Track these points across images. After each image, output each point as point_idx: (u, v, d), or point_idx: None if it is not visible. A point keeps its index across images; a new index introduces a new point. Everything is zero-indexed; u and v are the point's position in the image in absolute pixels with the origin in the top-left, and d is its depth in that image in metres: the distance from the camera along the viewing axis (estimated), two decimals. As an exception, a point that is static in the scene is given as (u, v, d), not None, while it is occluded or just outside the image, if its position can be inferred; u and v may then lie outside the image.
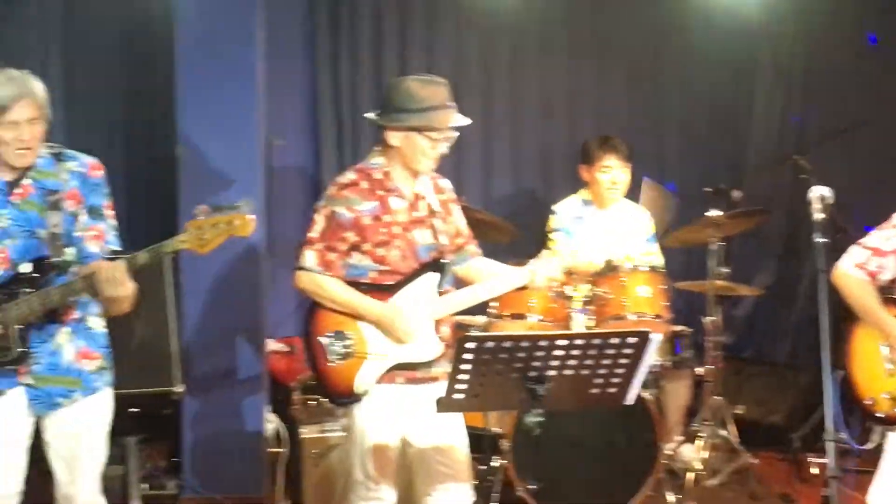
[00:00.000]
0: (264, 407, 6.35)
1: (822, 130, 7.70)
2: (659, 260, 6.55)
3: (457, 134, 4.54)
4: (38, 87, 4.13)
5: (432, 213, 4.63)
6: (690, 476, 6.26)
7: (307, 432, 5.87)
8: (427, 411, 4.28)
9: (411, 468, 4.64)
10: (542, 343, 3.75)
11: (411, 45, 7.64)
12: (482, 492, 5.56)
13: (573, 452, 5.73)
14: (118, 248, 4.24)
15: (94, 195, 4.25)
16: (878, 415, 4.76)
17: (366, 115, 4.67)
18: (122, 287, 3.98)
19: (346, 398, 4.56)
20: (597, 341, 3.80)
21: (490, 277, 4.71)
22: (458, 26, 7.70)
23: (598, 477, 5.78)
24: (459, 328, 5.91)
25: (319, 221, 4.57)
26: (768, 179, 7.75)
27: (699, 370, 6.49)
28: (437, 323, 4.58)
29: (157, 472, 6.33)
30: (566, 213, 6.61)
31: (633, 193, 6.79)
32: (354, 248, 4.55)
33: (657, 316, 5.96)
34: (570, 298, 6.03)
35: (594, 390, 3.92)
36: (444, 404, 3.90)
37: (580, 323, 6.02)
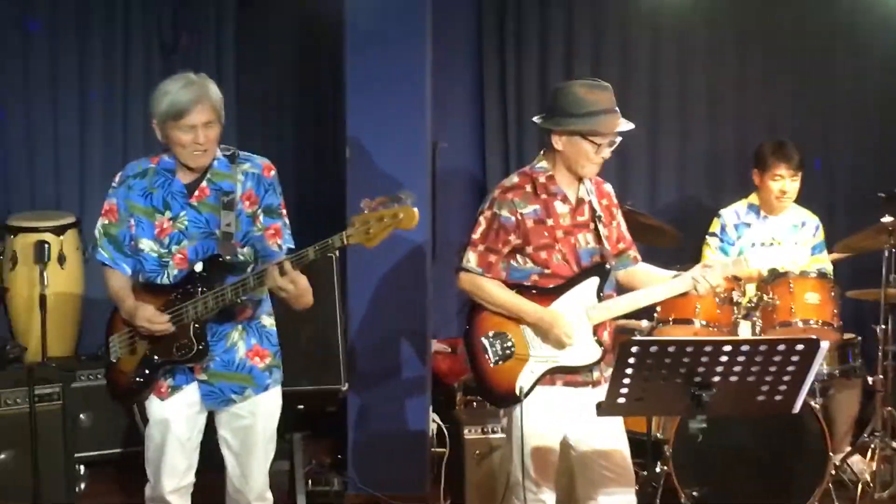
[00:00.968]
0: (428, 407, 6.41)
1: None
2: (828, 267, 6.42)
3: (620, 139, 4.52)
4: (214, 90, 4.24)
5: (595, 217, 4.61)
6: (859, 488, 6.11)
7: (470, 433, 5.90)
8: (588, 415, 4.27)
9: (573, 472, 4.64)
10: (708, 349, 3.71)
11: (577, 47, 7.62)
12: (644, 498, 5.53)
13: (737, 460, 5.64)
14: (293, 246, 4.33)
15: (269, 195, 4.36)
16: None
17: (534, 118, 4.68)
18: (293, 284, 4.06)
19: (506, 400, 4.58)
20: (763, 348, 3.74)
21: (651, 283, 4.67)
22: (624, 29, 7.64)
23: (762, 486, 5.68)
24: (623, 332, 5.90)
25: (482, 224, 4.60)
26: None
27: (870, 380, 6.33)
28: (597, 328, 4.56)
29: (321, 469, 6.44)
30: (731, 218, 6.52)
31: (803, 199, 6.64)
32: (517, 251, 4.57)
33: (826, 323, 5.85)
34: (736, 304, 5.95)
35: (760, 398, 3.87)
36: (606, 408, 3.89)
37: (746, 329, 5.93)
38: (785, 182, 6.37)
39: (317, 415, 6.34)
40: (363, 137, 6.25)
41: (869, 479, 6.18)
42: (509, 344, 4.55)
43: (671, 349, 3.70)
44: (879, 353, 6.31)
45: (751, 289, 6.04)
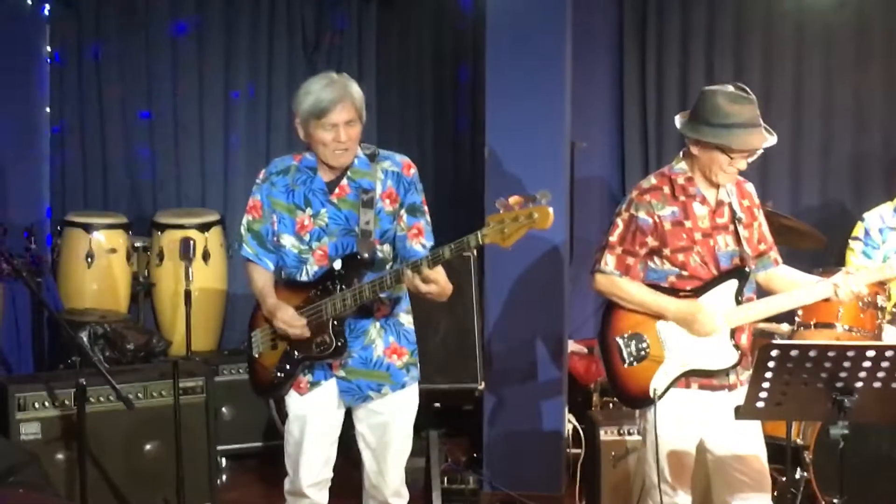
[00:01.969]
0: (564, 407, 6.41)
1: None
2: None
3: (760, 152, 4.44)
4: (355, 89, 4.29)
5: (735, 219, 4.55)
6: None
7: (606, 434, 5.88)
8: (725, 418, 4.22)
9: (709, 475, 4.60)
10: (850, 353, 3.65)
11: (719, 49, 7.53)
12: (783, 504, 5.46)
13: (880, 468, 5.53)
14: (433, 244, 4.36)
15: (411, 194, 4.40)
16: None
17: (676, 117, 4.63)
18: (435, 284, 4.08)
19: (639, 401, 4.56)
20: (909, 354, 3.67)
21: (790, 287, 4.59)
22: (768, 28, 7.52)
23: (906, 495, 5.57)
24: (762, 336, 5.81)
25: (620, 225, 4.58)
26: None
27: None
28: (736, 331, 4.51)
29: (457, 467, 6.48)
30: (875, 221, 6.39)
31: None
32: (654, 252, 4.54)
33: (975, 329, 5.70)
34: (881, 308, 5.82)
35: (905, 405, 3.79)
36: (745, 412, 3.86)
37: (891, 334, 5.81)
38: (928, 184, 6.24)
39: (453, 413, 6.38)
40: (502, 137, 6.27)
41: None
42: (644, 345, 4.52)
43: (812, 353, 3.65)
44: None
45: (896, 292, 5.90)
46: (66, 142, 7.94)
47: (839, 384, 3.69)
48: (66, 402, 5.47)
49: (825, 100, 7.50)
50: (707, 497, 4.66)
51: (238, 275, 7.21)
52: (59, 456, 5.49)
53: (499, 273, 6.26)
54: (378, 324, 4.40)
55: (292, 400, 4.48)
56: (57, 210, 7.81)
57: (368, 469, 4.54)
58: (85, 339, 6.41)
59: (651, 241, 4.52)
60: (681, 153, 4.59)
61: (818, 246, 6.47)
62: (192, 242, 7.01)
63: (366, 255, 4.28)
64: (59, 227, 7.47)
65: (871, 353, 3.65)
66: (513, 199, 3.96)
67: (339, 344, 4.29)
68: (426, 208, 4.44)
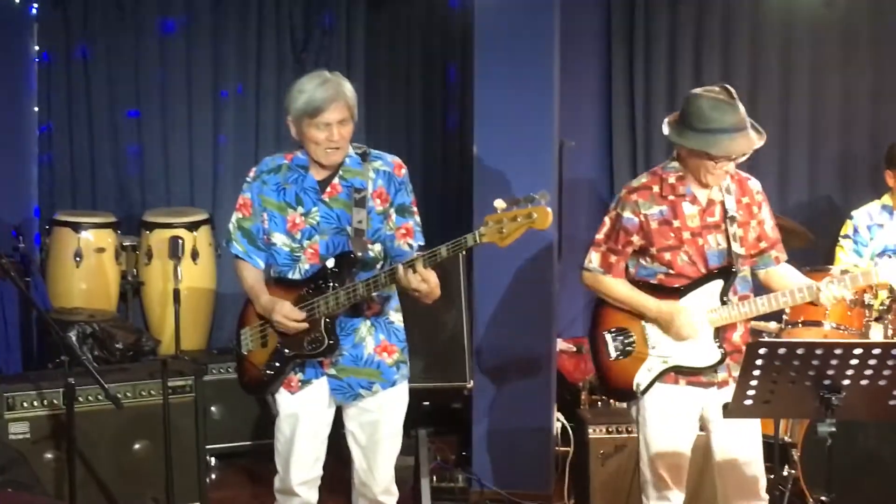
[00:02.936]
0: (552, 405, 6.42)
1: None
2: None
3: (745, 156, 4.45)
4: (348, 89, 4.30)
5: (728, 217, 4.56)
6: None
7: (594, 432, 5.89)
8: (716, 415, 4.24)
9: (702, 471, 4.62)
10: (838, 351, 3.66)
11: (707, 48, 7.54)
12: (772, 501, 5.45)
13: (868, 465, 5.54)
14: (423, 244, 4.38)
15: (401, 194, 4.41)
16: None
17: (664, 122, 4.63)
18: (426, 283, 4.09)
19: (623, 394, 4.66)
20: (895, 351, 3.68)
21: (779, 289, 4.58)
22: (755, 27, 7.53)
23: (893, 492, 5.57)
24: (751, 334, 5.83)
25: (607, 224, 4.65)
26: None
27: None
28: (725, 329, 4.54)
29: (446, 465, 6.49)
30: (863, 219, 6.41)
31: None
32: (641, 251, 4.58)
33: (963, 327, 5.71)
34: (868, 307, 5.84)
35: (892, 402, 3.80)
36: (733, 409, 3.87)
37: (878, 332, 5.82)
38: (917, 181, 6.25)
39: (442, 411, 6.39)
40: (490, 135, 6.27)
41: None
42: (630, 340, 4.59)
43: (800, 351, 3.66)
44: None
45: (883, 292, 5.92)
46: (54, 141, 7.93)
47: (827, 382, 3.70)
48: (55, 402, 5.46)
49: (812, 99, 7.50)
50: (699, 493, 4.68)
51: (227, 274, 7.19)
52: (48, 455, 5.48)
53: (488, 271, 6.26)
54: (368, 322, 4.41)
55: (283, 398, 4.48)
56: (45, 209, 7.80)
57: (358, 467, 4.54)
58: (74, 338, 6.39)
59: (637, 240, 4.56)
60: (675, 152, 4.61)
61: (806, 244, 6.49)
62: (180, 241, 6.99)
63: (359, 254, 4.29)
64: (47, 227, 7.46)
65: (858, 352, 3.66)
66: (511, 199, 3.98)
67: (331, 342, 4.29)
68: (416, 209, 4.45)
